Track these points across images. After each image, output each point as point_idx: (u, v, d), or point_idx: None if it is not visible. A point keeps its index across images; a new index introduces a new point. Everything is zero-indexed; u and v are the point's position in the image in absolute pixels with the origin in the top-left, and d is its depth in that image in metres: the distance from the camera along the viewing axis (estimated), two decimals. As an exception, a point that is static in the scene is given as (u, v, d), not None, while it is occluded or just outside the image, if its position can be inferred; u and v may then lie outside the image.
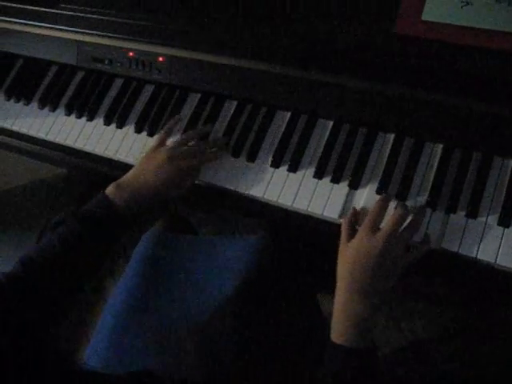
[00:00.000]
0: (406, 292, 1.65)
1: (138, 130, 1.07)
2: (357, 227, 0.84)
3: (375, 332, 1.59)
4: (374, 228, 0.81)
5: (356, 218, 0.87)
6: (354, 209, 0.89)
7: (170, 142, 0.98)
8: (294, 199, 0.92)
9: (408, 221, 0.81)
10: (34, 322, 0.79)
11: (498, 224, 0.83)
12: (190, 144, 0.97)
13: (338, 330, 0.77)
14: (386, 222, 0.80)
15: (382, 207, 0.83)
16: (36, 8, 1.14)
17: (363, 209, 0.89)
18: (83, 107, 1.12)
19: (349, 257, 0.80)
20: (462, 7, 0.85)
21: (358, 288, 0.78)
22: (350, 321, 0.77)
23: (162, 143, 0.97)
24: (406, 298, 1.64)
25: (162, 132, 0.99)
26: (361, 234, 0.81)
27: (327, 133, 0.97)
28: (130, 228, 0.91)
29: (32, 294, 0.79)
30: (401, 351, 1.58)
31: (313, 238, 1.01)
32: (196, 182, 0.98)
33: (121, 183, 0.90)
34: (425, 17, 0.87)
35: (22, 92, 1.19)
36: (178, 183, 0.93)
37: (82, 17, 1.10)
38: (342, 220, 0.87)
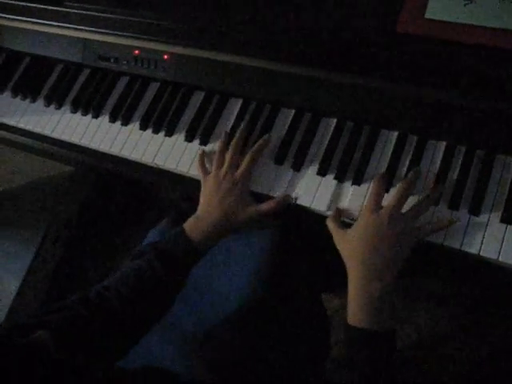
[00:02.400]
0: (409, 291, 1.65)
1: (144, 128, 1.08)
2: (343, 219, 0.87)
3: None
4: (378, 207, 0.82)
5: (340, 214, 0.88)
6: (337, 207, 0.89)
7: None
8: (298, 196, 0.93)
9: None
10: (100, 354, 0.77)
11: (501, 221, 0.83)
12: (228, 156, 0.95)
13: (356, 314, 0.76)
14: (390, 200, 0.82)
15: (380, 187, 0.84)
16: (42, 6, 1.15)
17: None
18: (89, 105, 1.13)
19: (356, 240, 0.80)
20: (465, 5, 0.86)
21: (370, 268, 0.77)
22: (367, 303, 0.76)
23: (203, 171, 0.97)
24: (408, 298, 1.65)
25: (198, 162, 0.98)
26: (365, 216, 0.81)
27: (331, 131, 0.97)
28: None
29: (103, 326, 0.78)
30: (404, 349, 1.58)
31: (316, 236, 1.02)
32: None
33: (197, 217, 0.90)
34: (428, 15, 0.88)
35: (28, 89, 1.20)
36: (239, 197, 0.91)
37: (88, 15, 1.11)
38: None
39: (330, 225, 0.86)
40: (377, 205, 0.83)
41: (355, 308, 0.77)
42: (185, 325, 1.01)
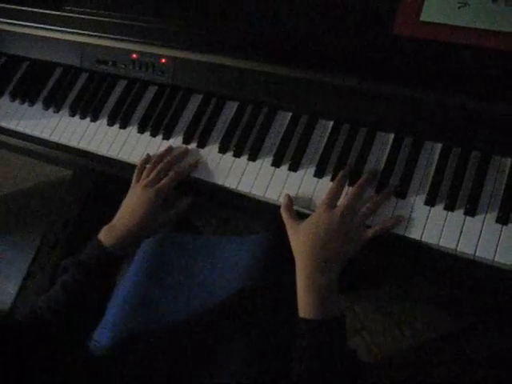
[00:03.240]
0: (406, 295, 1.66)
1: (141, 131, 1.08)
2: (294, 207, 0.91)
3: (377, 334, 1.60)
4: (332, 204, 0.86)
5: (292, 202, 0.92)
6: (288, 195, 0.92)
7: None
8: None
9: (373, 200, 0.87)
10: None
11: (497, 221, 0.83)
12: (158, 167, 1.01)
13: (305, 306, 0.79)
14: (344, 198, 0.86)
15: (339, 186, 0.89)
16: (41, 10, 1.16)
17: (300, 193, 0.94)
18: (87, 108, 1.14)
19: (307, 233, 0.83)
20: (459, 8, 0.87)
21: (319, 261, 0.81)
22: (315, 294, 0.79)
23: (137, 179, 1.01)
24: (406, 301, 1.65)
25: (136, 170, 1.03)
26: (319, 210, 0.85)
27: (327, 133, 0.98)
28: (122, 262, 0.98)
29: (43, 341, 0.81)
30: (402, 353, 1.58)
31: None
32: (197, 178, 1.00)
33: (111, 226, 0.96)
34: (423, 17, 0.89)
35: (26, 93, 1.20)
36: (158, 211, 0.97)
37: (86, 19, 1.12)
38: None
39: (283, 214, 0.90)
40: (331, 202, 0.86)
41: (303, 301, 0.80)
42: (174, 321, 1.02)
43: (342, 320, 0.79)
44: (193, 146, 1.04)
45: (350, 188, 0.91)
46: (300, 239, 0.84)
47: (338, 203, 0.88)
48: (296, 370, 0.77)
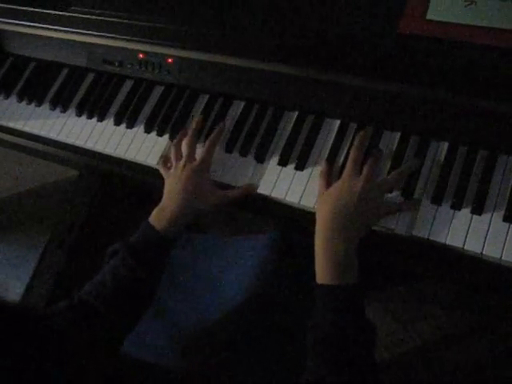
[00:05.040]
0: (412, 295, 1.65)
1: (148, 130, 1.09)
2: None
3: (383, 335, 1.60)
4: (356, 170, 0.87)
5: (330, 169, 0.92)
6: (327, 161, 0.93)
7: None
8: (301, 197, 0.93)
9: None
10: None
11: (504, 220, 0.83)
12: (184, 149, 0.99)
13: (322, 272, 0.79)
14: (366, 168, 0.86)
15: (360, 151, 0.89)
16: (47, 11, 1.16)
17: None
18: (94, 108, 1.14)
19: (330, 198, 0.84)
20: (466, 6, 0.87)
21: (338, 226, 0.81)
22: (332, 260, 0.79)
23: (166, 170, 0.99)
24: (412, 301, 1.64)
25: (161, 163, 1.02)
26: (344, 176, 0.86)
27: (334, 132, 0.98)
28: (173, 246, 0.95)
29: (91, 327, 0.81)
30: (407, 353, 1.58)
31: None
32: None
33: (160, 209, 0.93)
34: (429, 16, 0.89)
35: (33, 94, 1.21)
36: (207, 185, 0.95)
37: (93, 19, 1.12)
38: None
39: (320, 181, 0.91)
40: (355, 168, 0.87)
41: (319, 265, 0.80)
42: (183, 321, 1.02)
43: (358, 288, 0.79)
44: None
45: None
46: (323, 203, 0.85)
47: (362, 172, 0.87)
48: (310, 337, 0.76)
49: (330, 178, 0.91)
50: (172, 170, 0.97)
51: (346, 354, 0.73)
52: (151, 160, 1.05)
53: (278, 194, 0.95)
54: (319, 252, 0.81)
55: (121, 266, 0.87)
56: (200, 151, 0.98)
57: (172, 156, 0.99)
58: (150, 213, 0.94)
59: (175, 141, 1.01)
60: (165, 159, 1.01)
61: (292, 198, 0.94)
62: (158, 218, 0.92)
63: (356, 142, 0.90)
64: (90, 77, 1.19)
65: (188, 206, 0.93)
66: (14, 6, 1.20)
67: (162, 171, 1.00)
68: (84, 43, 1.16)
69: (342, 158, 0.95)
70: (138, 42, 1.10)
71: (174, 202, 0.93)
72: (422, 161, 0.90)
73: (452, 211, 0.86)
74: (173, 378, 0.72)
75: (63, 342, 0.57)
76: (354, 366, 0.73)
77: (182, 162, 0.96)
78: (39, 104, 1.20)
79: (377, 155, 0.89)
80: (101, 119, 1.13)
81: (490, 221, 0.84)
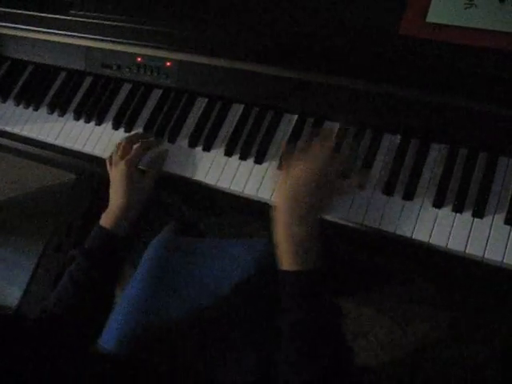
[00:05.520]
0: (410, 295, 1.65)
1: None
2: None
3: (381, 337, 1.59)
4: (311, 157, 0.87)
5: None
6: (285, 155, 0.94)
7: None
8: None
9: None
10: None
11: (505, 223, 0.83)
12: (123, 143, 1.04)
13: (284, 258, 0.81)
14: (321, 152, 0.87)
15: (311, 137, 0.91)
16: (45, 15, 1.16)
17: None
18: (92, 112, 1.14)
19: (288, 186, 0.85)
20: (466, 9, 0.86)
21: (297, 212, 0.82)
22: (294, 245, 0.80)
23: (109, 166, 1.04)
24: (410, 302, 1.64)
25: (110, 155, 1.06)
26: (298, 164, 0.86)
27: (333, 135, 0.97)
28: (130, 244, 1.00)
29: (58, 337, 0.85)
30: (404, 353, 1.58)
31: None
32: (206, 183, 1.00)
33: (108, 210, 0.99)
34: (429, 19, 0.88)
35: (31, 97, 1.20)
36: (136, 181, 1.00)
37: (91, 23, 1.12)
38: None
39: (284, 163, 0.91)
40: (309, 157, 0.87)
41: (281, 252, 0.81)
42: (177, 324, 1.02)
43: (320, 271, 0.80)
44: (198, 149, 1.03)
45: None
46: (280, 192, 0.86)
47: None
48: (280, 323, 0.78)
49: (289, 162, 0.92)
50: (110, 167, 1.03)
51: (316, 338, 0.75)
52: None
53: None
54: (280, 238, 0.82)
55: (77, 269, 0.91)
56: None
57: (113, 154, 1.04)
58: (147, 217, 0.95)
59: (119, 142, 1.05)
60: (109, 158, 1.05)
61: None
62: (106, 217, 0.97)
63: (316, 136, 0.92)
64: (88, 80, 1.19)
65: (128, 200, 0.97)
66: (12, 10, 1.19)
67: (108, 167, 1.05)
68: (82, 47, 1.15)
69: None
70: (136, 45, 1.09)
71: (116, 200, 0.98)
72: (423, 164, 0.90)
73: (453, 214, 0.86)
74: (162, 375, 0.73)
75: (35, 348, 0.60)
76: (324, 348, 0.74)
77: (115, 158, 1.02)
78: (37, 108, 1.19)
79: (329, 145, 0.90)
80: (99, 123, 1.12)
81: (492, 224, 0.84)
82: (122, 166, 0.99)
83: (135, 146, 1.02)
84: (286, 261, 0.80)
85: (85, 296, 0.90)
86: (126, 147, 1.03)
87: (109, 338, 1.01)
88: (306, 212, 0.82)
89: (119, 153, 1.02)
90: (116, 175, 1.00)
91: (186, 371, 0.98)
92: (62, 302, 0.89)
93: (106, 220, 0.97)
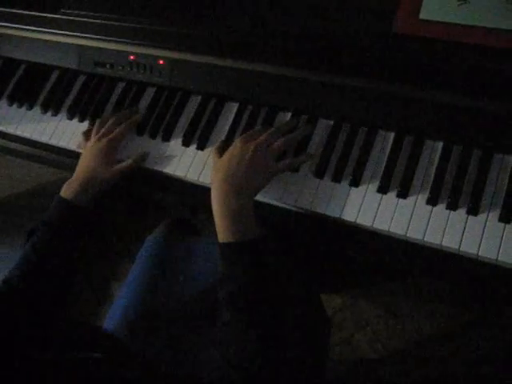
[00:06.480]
0: (409, 289, 1.66)
1: (141, 133, 1.08)
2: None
3: (379, 330, 1.60)
4: (248, 140, 0.92)
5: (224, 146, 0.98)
6: (222, 141, 1.01)
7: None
8: (297, 199, 0.93)
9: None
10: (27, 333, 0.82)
11: (499, 220, 0.83)
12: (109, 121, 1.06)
13: (222, 232, 0.83)
14: (260, 136, 0.93)
15: (259, 130, 0.95)
16: (37, 14, 1.15)
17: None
18: (85, 111, 1.13)
19: (223, 163, 0.89)
20: (459, 5, 0.86)
21: (233, 188, 0.85)
22: (229, 218, 0.83)
23: (86, 139, 1.07)
24: (408, 296, 1.65)
25: (82, 134, 1.09)
26: (235, 144, 0.92)
27: (328, 132, 0.97)
28: (93, 218, 1.00)
29: (20, 310, 0.85)
30: (404, 348, 1.59)
31: (313, 238, 1.02)
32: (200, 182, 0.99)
33: (70, 181, 1.00)
34: (422, 16, 0.88)
35: (24, 97, 1.20)
36: (113, 158, 1.02)
37: (83, 21, 1.11)
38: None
39: (213, 153, 0.97)
40: (249, 137, 0.92)
41: (218, 226, 0.84)
42: (174, 323, 1.03)
43: (259, 241, 0.82)
44: (192, 147, 1.03)
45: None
46: (216, 170, 0.90)
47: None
48: (220, 295, 0.79)
49: (222, 151, 0.96)
50: (88, 143, 1.04)
51: (254, 308, 0.77)
52: (147, 163, 1.05)
53: (271, 198, 0.95)
54: (217, 215, 0.84)
55: (39, 241, 0.92)
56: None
57: (95, 128, 1.06)
58: (145, 213, 0.95)
59: (100, 119, 1.08)
60: (87, 133, 1.08)
61: (288, 200, 0.94)
62: (67, 188, 0.98)
63: (264, 127, 0.97)
64: (81, 79, 1.18)
65: (94, 176, 0.99)
66: (3, 9, 1.18)
67: (82, 139, 1.07)
68: (75, 45, 1.14)
69: (335, 158, 0.94)
70: (129, 43, 1.08)
71: (83, 173, 0.99)
72: (417, 161, 0.90)
73: (447, 212, 0.85)
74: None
75: None
76: (264, 321, 0.77)
77: (97, 136, 1.03)
78: (30, 107, 1.18)
79: (276, 132, 0.94)
80: (93, 122, 1.12)
81: (486, 221, 0.83)
82: (103, 143, 1.01)
83: (119, 128, 1.04)
84: (221, 233, 0.83)
85: (47, 267, 0.91)
86: (110, 127, 1.04)
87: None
88: (239, 186, 0.85)
89: (103, 130, 1.04)
90: (92, 150, 1.01)
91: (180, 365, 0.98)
92: (23, 272, 0.89)
93: (68, 191, 0.97)
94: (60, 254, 0.93)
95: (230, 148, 0.92)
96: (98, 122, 1.07)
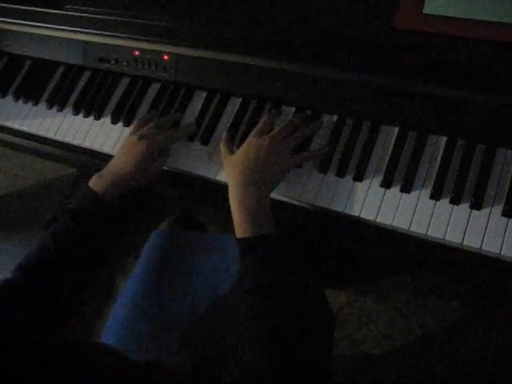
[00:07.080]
0: (414, 285, 1.66)
1: (145, 128, 1.08)
2: (235, 149, 0.95)
3: (384, 326, 1.60)
4: (262, 133, 0.93)
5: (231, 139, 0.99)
6: (229, 131, 1.01)
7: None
8: (300, 194, 0.93)
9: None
10: (38, 323, 0.81)
11: (503, 215, 0.83)
12: (158, 122, 1.03)
13: (240, 226, 0.83)
14: (274, 129, 0.94)
15: (268, 121, 0.96)
16: (42, 9, 1.16)
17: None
18: (90, 106, 1.14)
19: (239, 158, 0.90)
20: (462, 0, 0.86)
21: (250, 182, 0.85)
22: (246, 213, 0.83)
23: (135, 130, 1.02)
24: (414, 292, 1.65)
25: (136, 121, 1.05)
26: (250, 138, 0.92)
27: (331, 127, 0.97)
28: (117, 216, 0.96)
29: (34, 298, 0.82)
30: (409, 344, 1.58)
31: (319, 233, 1.02)
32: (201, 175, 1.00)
33: (102, 173, 0.95)
34: (426, 10, 0.88)
35: (30, 93, 1.20)
36: (149, 163, 0.97)
37: (88, 17, 1.12)
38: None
39: (222, 149, 0.97)
40: (262, 131, 0.93)
41: (236, 222, 0.84)
42: (180, 320, 1.02)
43: (276, 236, 0.82)
44: (197, 142, 1.03)
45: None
46: (232, 164, 0.90)
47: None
48: (237, 291, 0.81)
49: (232, 145, 0.97)
50: (134, 134, 0.99)
51: (272, 303, 0.76)
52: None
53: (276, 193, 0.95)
54: (234, 209, 0.84)
55: (61, 229, 0.87)
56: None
57: (134, 127, 1.03)
58: (148, 209, 0.95)
59: (158, 120, 1.04)
60: (141, 122, 1.04)
61: (291, 195, 0.94)
62: (97, 182, 0.93)
63: (266, 116, 0.97)
64: (87, 75, 1.19)
65: (130, 176, 0.95)
66: (9, 5, 1.19)
67: (133, 128, 1.03)
68: (79, 41, 1.15)
69: (339, 154, 0.95)
70: (134, 39, 1.09)
71: (115, 170, 0.95)
72: (420, 156, 0.90)
73: (451, 206, 0.86)
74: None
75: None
76: (283, 314, 0.76)
77: (144, 131, 0.99)
78: (36, 103, 1.19)
79: (290, 125, 0.94)
80: (98, 117, 1.12)
81: (489, 215, 0.83)
82: (145, 145, 0.96)
83: (167, 137, 0.99)
84: (241, 229, 0.82)
85: (65, 257, 0.86)
86: (156, 127, 1.01)
87: (110, 331, 1.03)
88: (257, 181, 0.85)
89: (149, 130, 1.00)
90: (134, 148, 0.96)
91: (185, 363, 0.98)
92: (40, 259, 0.84)
93: (98, 184, 0.93)
94: (79, 246, 0.88)
95: (245, 143, 0.92)
96: (140, 120, 1.05)
